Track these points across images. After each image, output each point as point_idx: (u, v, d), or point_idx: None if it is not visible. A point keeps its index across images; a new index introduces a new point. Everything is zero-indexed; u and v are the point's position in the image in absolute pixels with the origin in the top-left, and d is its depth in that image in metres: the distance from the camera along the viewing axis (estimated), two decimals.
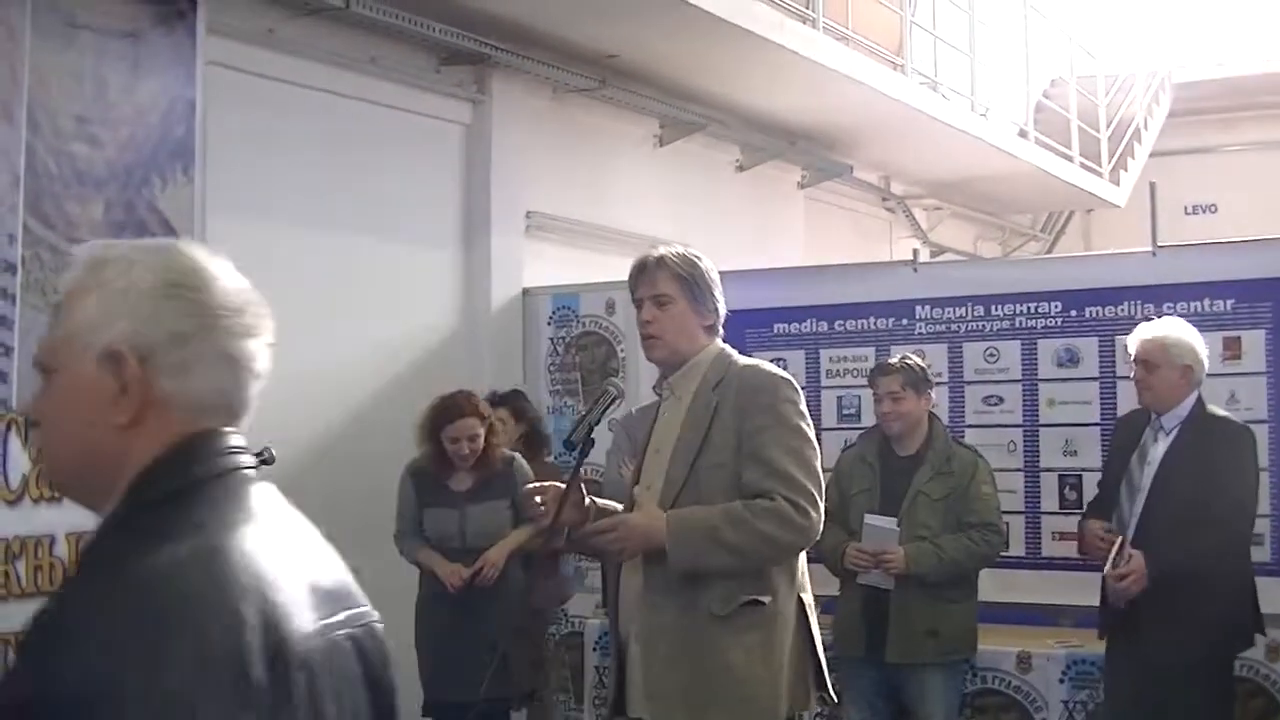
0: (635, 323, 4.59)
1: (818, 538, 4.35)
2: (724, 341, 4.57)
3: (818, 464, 4.38)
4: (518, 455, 7.11)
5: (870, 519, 6.29)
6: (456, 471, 6.87)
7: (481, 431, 6.84)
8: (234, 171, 7.21)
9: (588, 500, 4.44)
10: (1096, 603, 6.04)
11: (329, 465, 7.53)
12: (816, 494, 4.29)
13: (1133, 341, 6.02)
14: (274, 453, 6.44)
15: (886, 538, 6.23)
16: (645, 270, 4.50)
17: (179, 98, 6.73)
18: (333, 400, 7.88)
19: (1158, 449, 5.89)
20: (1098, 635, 6.19)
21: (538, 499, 4.37)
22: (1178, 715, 5.68)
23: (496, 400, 7.37)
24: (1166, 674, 5.65)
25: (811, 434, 4.40)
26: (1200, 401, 5.90)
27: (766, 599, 4.28)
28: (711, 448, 4.33)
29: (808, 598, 4.46)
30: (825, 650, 6.46)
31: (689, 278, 4.45)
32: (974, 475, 6.37)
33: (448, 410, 6.86)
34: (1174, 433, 5.86)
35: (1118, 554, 5.67)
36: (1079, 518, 6.41)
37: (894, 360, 6.56)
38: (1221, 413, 5.99)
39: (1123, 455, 6.06)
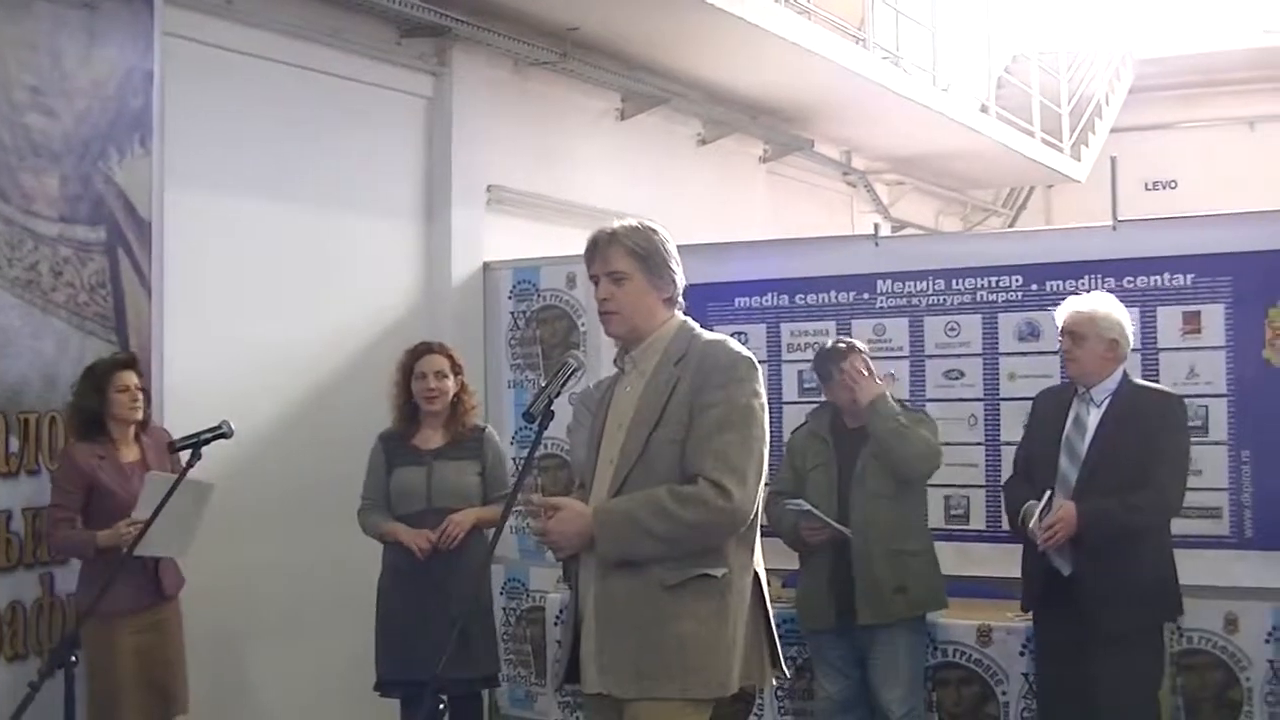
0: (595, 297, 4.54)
1: (748, 516, 4.29)
2: (685, 314, 4.54)
3: (761, 445, 4.33)
4: (489, 426, 7.10)
5: (788, 505, 6.40)
6: (424, 430, 6.82)
7: (449, 371, 6.82)
8: (192, 144, 7.17)
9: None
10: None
11: (291, 439, 7.51)
12: (749, 473, 4.26)
13: (1061, 313, 6.09)
14: (232, 426, 6.43)
15: (808, 516, 6.37)
16: (599, 246, 4.45)
17: (136, 69, 6.70)
18: (293, 374, 7.84)
19: (1091, 418, 5.96)
20: (1021, 607, 6.26)
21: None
22: (1109, 684, 5.75)
23: (120, 364, 6.54)
24: (1098, 643, 5.73)
25: (763, 415, 4.36)
26: (1126, 375, 6.01)
27: (719, 572, 4.26)
28: (667, 423, 4.30)
29: (762, 573, 4.45)
30: (791, 624, 6.57)
31: (644, 253, 4.40)
32: (919, 427, 6.51)
33: (416, 349, 6.88)
34: (1105, 404, 5.94)
35: (1045, 507, 5.75)
36: (1003, 485, 6.51)
37: (842, 345, 6.67)
38: (1149, 384, 6.14)
39: (1049, 426, 6.11)
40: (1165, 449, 5.83)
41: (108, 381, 6.30)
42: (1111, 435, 5.88)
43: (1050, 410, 6.17)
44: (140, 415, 6.40)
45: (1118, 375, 5.97)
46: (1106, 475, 5.82)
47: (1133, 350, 6.52)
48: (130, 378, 6.34)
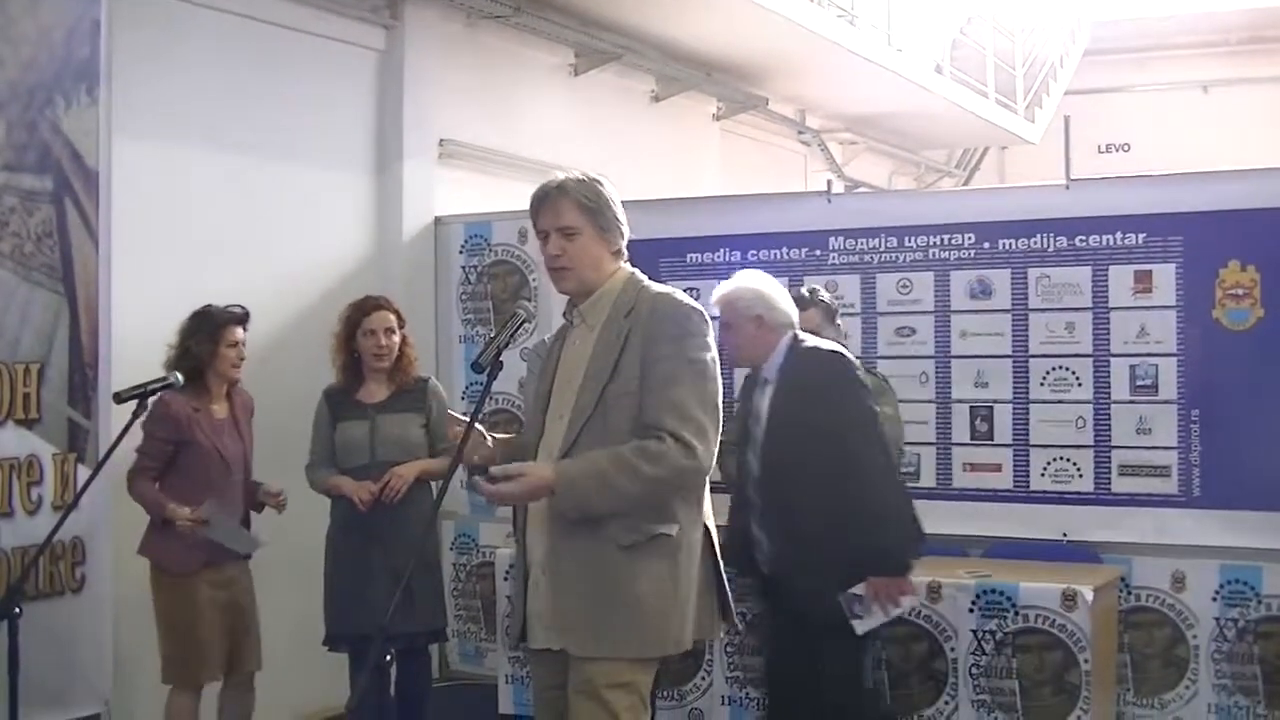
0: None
1: (708, 471, 4.29)
2: (633, 266, 4.51)
3: (716, 397, 4.33)
4: (432, 377, 7.07)
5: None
6: (368, 384, 6.79)
7: (397, 327, 6.77)
8: (141, 94, 7.09)
9: (488, 440, 4.42)
10: (1008, 534, 6.13)
11: None
12: (709, 428, 4.25)
13: (712, 305, 5.84)
14: (180, 377, 6.36)
15: None
16: (547, 200, 4.40)
17: (84, 16, 6.59)
18: None
19: (765, 402, 5.77)
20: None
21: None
22: (825, 659, 5.69)
23: (235, 319, 6.60)
24: (807, 623, 5.66)
25: (715, 367, 4.35)
26: (796, 340, 5.76)
27: (672, 529, 4.25)
28: (620, 376, 4.27)
29: (712, 527, 4.45)
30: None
31: (593, 206, 4.37)
32: (879, 400, 6.40)
33: (363, 305, 6.81)
34: (774, 381, 5.74)
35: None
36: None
37: (806, 293, 6.53)
38: (812, 343, 5.79)
39: (742, 416, 5.96)
40: (848, 421, 5.56)
41: (221, 335, 6.36)
42: (777, 421, 5.69)
43: (744, 400, 6.03)
44: (240, 374, 6.51)
45: (783, 346, 5.74)
46: (781, 465, 5.66)
47: (1078, 309, 6.55)
48: (240, 334, 6.42)
